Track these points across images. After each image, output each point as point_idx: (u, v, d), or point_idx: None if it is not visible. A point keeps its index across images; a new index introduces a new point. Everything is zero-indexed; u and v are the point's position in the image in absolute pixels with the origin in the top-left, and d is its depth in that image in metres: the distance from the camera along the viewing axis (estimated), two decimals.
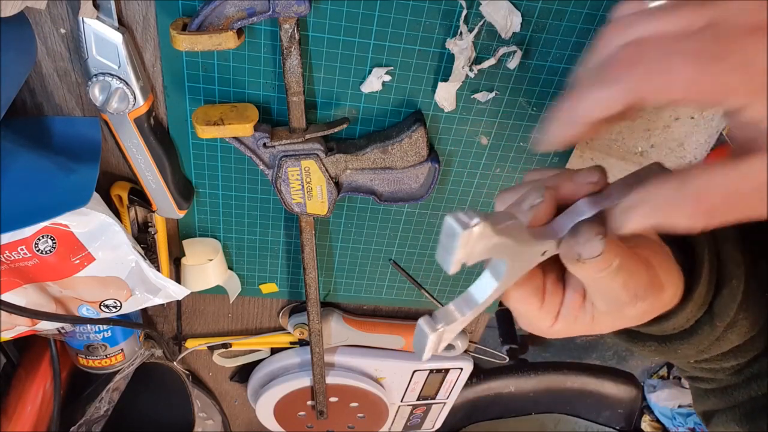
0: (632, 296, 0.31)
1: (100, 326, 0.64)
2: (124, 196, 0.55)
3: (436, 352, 0.32)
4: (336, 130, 0.52)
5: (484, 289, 0.32)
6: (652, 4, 0.27)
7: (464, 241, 0.27)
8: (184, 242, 0.63)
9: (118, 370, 0.69)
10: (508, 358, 0.85)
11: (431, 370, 0.81)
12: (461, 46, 0.48)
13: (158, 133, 0.52)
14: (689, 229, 0.25)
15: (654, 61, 0.24)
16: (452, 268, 0.28)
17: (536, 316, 0.33)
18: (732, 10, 0.24)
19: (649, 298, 0.32)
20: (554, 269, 0.34)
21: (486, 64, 0.49)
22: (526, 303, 0.33)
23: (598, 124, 0.26)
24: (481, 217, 0.27)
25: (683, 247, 0.37)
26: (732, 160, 0.25)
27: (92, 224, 0.50)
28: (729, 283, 0.36)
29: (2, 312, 0.50)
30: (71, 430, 0.68)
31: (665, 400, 1.01)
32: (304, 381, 0.79)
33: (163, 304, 0.70)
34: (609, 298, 0.31)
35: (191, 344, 0.77)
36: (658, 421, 1.06)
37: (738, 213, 0.25)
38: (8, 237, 0.48)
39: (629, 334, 0.40)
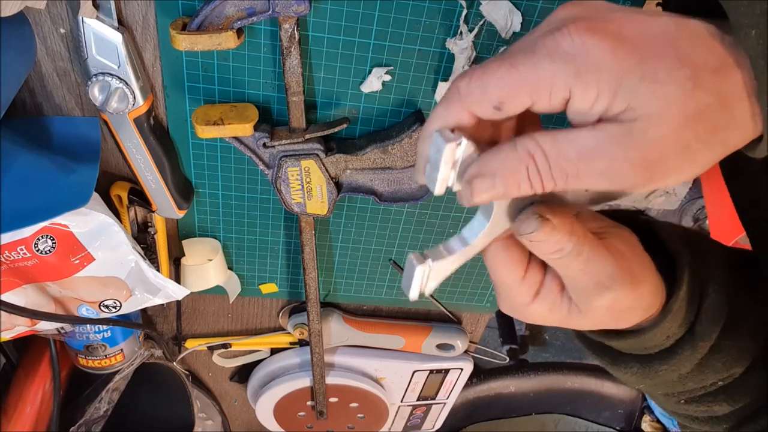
0: (595, 284, 0.31)
1: (100, 326, 0.64)
2: (124, 196, 0.55)
3: (424, 291, 0.32)
4: (336, 130, 0.52)
5: (475, 230, 0.32)
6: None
7: (449, 155, 0.28)
8: (184, 242, 0.63)
9: (118, 371, 0.69)
10: (508, 358, 0.85)
11: (431, 371, 0.81)
12: (461, 46, 0.48)
13: (158, 133, 0.51)
14: (530, 192, 0.27)
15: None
16: (438, 187, 0.29)
17: (516, 289, 0.33)
18: (536, 32, 0.28)
19: (615, 288, 0.31)
20: None
21: None
22: (509, 268, 0.32)
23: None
24: (466, 136, 0.28)
25: (666, 262, 0.37)
26: (561, 129, 0.27)
27: (92, 224, 0.50)
28: (712, 304, 0.36)
29: (2, 312, 0.50)
30: (71, 430, 0.68)
31: None
32: (304, 381, 0.79)
33: (162, 304, 0.70)
34: (572, 285, 0.32)
35: (191, 344, 0.77)
36: (658, 421, 1.05)
37: (564, 178, 0.27)
38: (8, 237, 0.48)
39: (611, 356, 0.39)
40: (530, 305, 0.33)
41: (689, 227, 0.41)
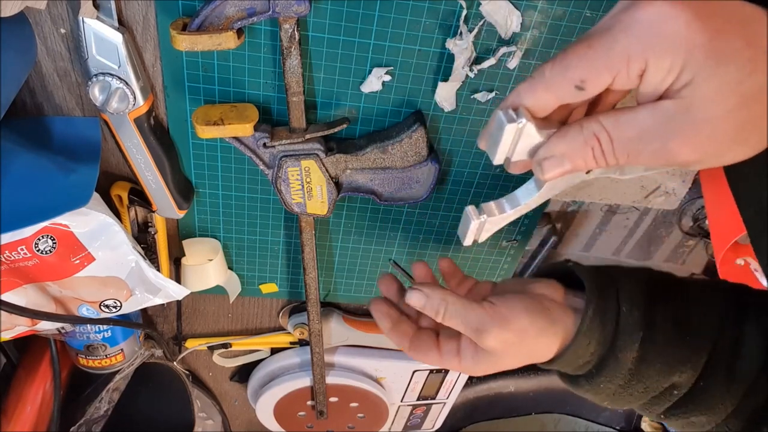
0: (474, 330, 0.39)
1: (100, 326, 0.64)
2: (124, 196, 0.55)
3: (477, 239, 0.38)
4: (336, 130, 0.52)
5: (527, 194, 0.36)
6: None
7: (509, 134, 0.31)
8: (184, 242, 0.63)
9: (118, 370, 0.69)
10: None
11: (431, 370, 0.81)
12: (461, 46, 0.48)
13: (158, 133, 0.52)
14: (595, 167, 0.31)
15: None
16: (496, 158, 0.32)
17: (441, 362, 0.43)
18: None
19: (491, 329, 0.39)
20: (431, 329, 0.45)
21: (486, 64, 0.49)
22: (426, 356, 0.43)
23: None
24: (528, 118, 0.31)
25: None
26: (622, 109, 0.29)
27: (92, 224, 0.50)
28: (626, 320, 0.39)
29: (2, 312, 0.50)
30: (71, 430, 0.68)
31: None
32: (304, 381, 0.79)
33: (163, 304, 0.70)
34: (465, 333, 0.40)
35: (191, 344, 0.77)
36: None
37: (625, 157, 0.29)
38: (8, 237, 0.48)
39: (568, 379, 0.44)
40: (461, 363, 0.42)
41: (629, 266, 0.45)
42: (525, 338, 0.40)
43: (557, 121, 0.33)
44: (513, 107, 0.31)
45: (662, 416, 0.43)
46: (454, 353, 0.42)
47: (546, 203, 0.63)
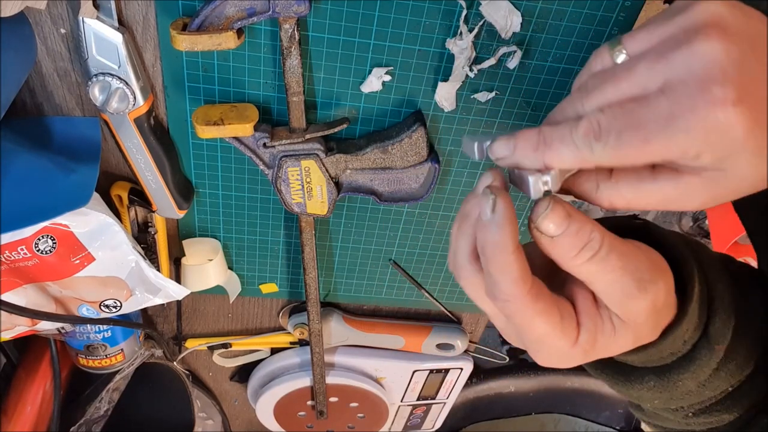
0: (638, 280, 0.29)
1: (100, 326, 0.64)
2: (124, 196, 0.55)
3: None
4: (336, 130, 0.52)
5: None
6: (619, 60, 0.29)
7: (535, 189, 0.29)
8: (184, 242, 0.63)
9: (118, 370, 0.69)
10: (508, 358, 0.85)
11: (431, 370, 0.81)
12: (461, 46, 0.48)
13: (158, 133, 0.52)
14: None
15: (624, 130, 0.27)
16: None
17: (559, 333, 0.30)
18: (679, 68, 0.26)
19: (657, 281, 0.29)
20: (555, 286, 0.32)
21: (486, 64, 0.49)
22: (544, 316, 0.30)
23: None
24: (557, 182, 0.29)
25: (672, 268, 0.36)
26: (641, 175, 0.28)
27: (92, 224, 0.50)
28: (722, 304, 0.35)
29: (2, 312, 0.50)
30: (71, 430, 0.68)
31: None
32: (304, 381, 0.79)
33: (163, 304, 0.70)
34: (612, 292, 0.29)
35: (191, 344, 0.77)
36: None
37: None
38: (8, 237, 0.48)
39: (624, 374, 0.37)
40: (575, 343, 0.30)
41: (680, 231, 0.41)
42: (661, 310, 0.31)
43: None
44: (545, 168, 0.28)
45: (691, 415, 0.38)
46: (573, 321, 0.30)
47: None
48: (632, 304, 0.29)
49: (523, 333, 0.31)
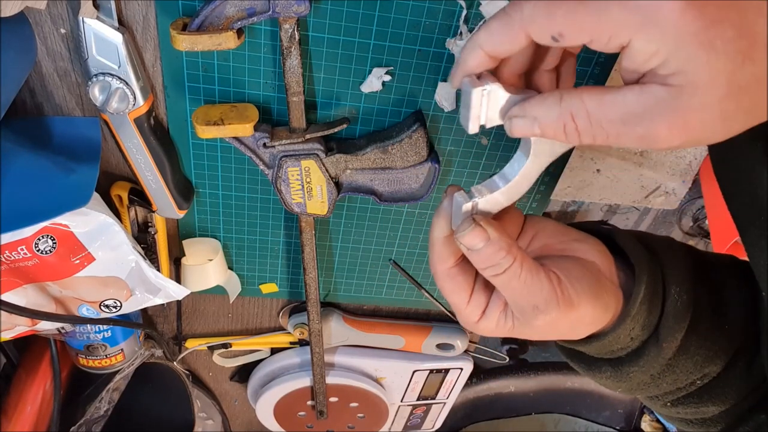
0: (532, 306, 0.34)
1: (100, 326, 0.64)
2: (124, 196, 0.55)
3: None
4: (336, 130, 0.52)
5: (515, 166, 0.34)
6: None
7: (477, 99, 0.31)
8: (184, 242, 0.63)
9: (118, 370, 0.69)
10: (508, 358, 0.85)
11: (431, 370, 0.81)
12: (461, 46, 0.48)
13: (158, 133, 0.52)
14: (565, 142, 0.29)
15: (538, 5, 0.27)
16: (470, 127, 0.31)
17: (465, 310, 0.37)
18: None
19: (550, 311, 0.34)
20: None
21: None
22: (456, 294, 0.36)
23: (495, 59, 0.30)
24: (492, 80, 0.31)
25: (632, 268, 0.38)
26: (607, 88, 0.28)
27: (92, 224, 0.50)
28: (674, 305, 0.37)
29: (2, 312, 0.50)
30: (71, 430, 0.68)
31: None
32: (304, 381, 0.79)
33: (163, 304, 0.70)
34: (512, 304, 0.35)
35: (191, 344, 0.77)
36: (658, 421, 1.06)
37: (604, 138, 0.28)
38: (8, 237, 0.48)
39: (585, 362, 0.41)
40: (478, 322, 0.37)
41: (653, 234, 0.42)
42: (577, 325, 0.36)
43: (523, 87, 0.32)
44: (466, 77, 0.31)
45: (669, 405, 0.40)
46: (481, 307, 0.37)
47: (547, 199, 0.63)
48: (526, 319, 0.34)
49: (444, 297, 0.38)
